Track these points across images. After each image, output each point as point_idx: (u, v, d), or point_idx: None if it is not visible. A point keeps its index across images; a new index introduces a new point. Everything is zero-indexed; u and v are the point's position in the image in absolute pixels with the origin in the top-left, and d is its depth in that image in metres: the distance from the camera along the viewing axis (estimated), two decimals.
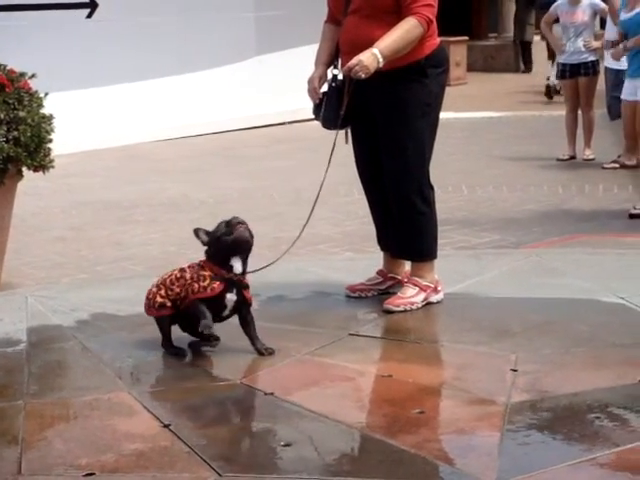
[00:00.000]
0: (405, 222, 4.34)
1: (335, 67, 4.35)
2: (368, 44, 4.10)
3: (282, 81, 11.59)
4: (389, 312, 4.26)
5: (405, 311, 4.27)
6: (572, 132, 9.38)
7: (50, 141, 5.34)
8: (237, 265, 3.73)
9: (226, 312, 3.79)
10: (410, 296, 4.32)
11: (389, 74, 4.14)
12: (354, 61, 4.08)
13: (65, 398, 3.47)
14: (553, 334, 3.94)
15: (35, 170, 5.40)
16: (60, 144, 5.73)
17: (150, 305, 3.86)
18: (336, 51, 4.39)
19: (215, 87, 11.87)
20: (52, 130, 5.35)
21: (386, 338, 4.10)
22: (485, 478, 2.73)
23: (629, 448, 2.90)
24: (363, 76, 4.08)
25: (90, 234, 6.93)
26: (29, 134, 5.15)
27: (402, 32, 4.11)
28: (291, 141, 10.74)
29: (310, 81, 4.38)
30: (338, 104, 4.24)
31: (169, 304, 3.79)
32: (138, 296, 4.63)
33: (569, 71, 9.28)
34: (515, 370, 3.55)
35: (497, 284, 4.68)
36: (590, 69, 9.21)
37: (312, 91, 4.37)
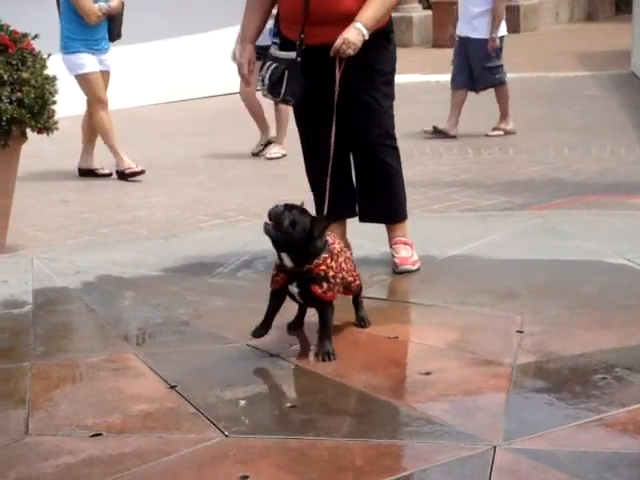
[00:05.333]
0: (385, 186, 4.31)
1: (301, 42, 4.09)
2: (340, 14, 4.01)
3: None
4: (404, 272, 4.23)
5: (417, 270, 4.27)
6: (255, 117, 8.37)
7: (54, 103, 5.31)
8: (284, 259, 3.40)
9: (299, 301, 3.50)
10: (411, 256, 4.32)
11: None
12: (339, 41, 3.97)
13: (71, 359, 3.48)
14: (559, 295, 3.94)
15: (39, 132, 5.38)
16: (63, 106, 5.70)
17: None
18: (264, 23, 4.27)
19: (219, 49, 11.77)
20: (56, 92, 5.32)
21: (392, 300, 4.09)
22: (491, 439, 2.73)
23: (635, 408, 2.90)
24: (352, 53, 3.99)
25: (94, 197, 6.92)
26: (33, 95, 5.12)
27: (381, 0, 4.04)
28: None
29: (240, 66, 4.23)
30: (302, 77, 4.09)
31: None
32: (142, 259, 4.65)
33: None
34: (521, 331, 3.55)
35: (503, 246, 4.67)
36: None
37: (243, 78, 4.24)
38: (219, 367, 3.36)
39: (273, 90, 4.16)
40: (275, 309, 3.48)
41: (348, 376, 3.24)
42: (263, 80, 4.19)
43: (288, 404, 3.05)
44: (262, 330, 3.45)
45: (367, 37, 4.00)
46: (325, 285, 3.38)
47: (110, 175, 7.52)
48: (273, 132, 8.19)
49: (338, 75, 4.04)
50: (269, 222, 3.37)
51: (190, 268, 4.47)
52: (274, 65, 4.15)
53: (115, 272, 4.46)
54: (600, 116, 9.28)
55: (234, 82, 10.59)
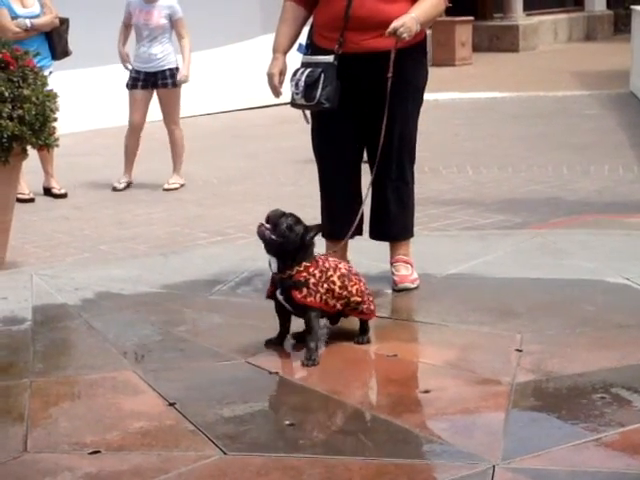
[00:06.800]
0: (401, 202, 4.31)
1: (340, 45, 4.08)
2: (385, 20, 3.97)
3: (287, 61, 11.52)
4: (403, 290, 4.23)
5: (416, 288, 4.27)
6: (131, 155, 7.86)
7: (55, 120, 5.33)
8: (272, 263, 3.51)
9: (291, 310, 3.56)
10: (410, 274, 4.32)
11: (397, 53, 4.00)
12: (399, 22, 3.92)
13: (70, 376, 3.48)
14: (558, 314, 3.94)
15: (40, 149, 5.40)
16: (63, 123, 5.71)
17: None
18: (297, 36, 4.24)
19: (220, 66, 11.82)
20: (57, 109, 5.34)
21: (391, 318, 4.09)
22: (490, 458, 2.73)
23: (634, 428, 2.90)
24: (407, 37, 3.95)
25: (94, 213, 6.93)
26: (34, 112, 5.14)
27: (432, 3, 4.06)
28: (295, 121, 10.72)
29: (271, 77, 4.18)
30: (337, 82, 4.06)
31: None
32: (142, 275, 4.65)
33: (143, 80, 7.77)
34: (520, 350, 3.55)
35: (502, 264, 4.68)
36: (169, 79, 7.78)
37: (274, 89, 4.18)
38: (218, 384, 3.35)
39: (307, 94, 4.07)
40: (281, 314, 3.58)
41: (347, 394, 3.24)
42: (297, 84, 4.11)
43: (287, 422, 3.04)
44: (278, 340, 3.58)
45: (418, 30, 3.98)
46: (305, 290, 3.44)
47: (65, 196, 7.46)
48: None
49: (393, 55, 3.97)
50: (267, 225, 3.44)
51: (189, 285, 4.48)
52: (309, 69, 4.10)
53: (114, 289, 4.46)
54: (598, 135, 9.32)
55: (230, 100, 10.63)
